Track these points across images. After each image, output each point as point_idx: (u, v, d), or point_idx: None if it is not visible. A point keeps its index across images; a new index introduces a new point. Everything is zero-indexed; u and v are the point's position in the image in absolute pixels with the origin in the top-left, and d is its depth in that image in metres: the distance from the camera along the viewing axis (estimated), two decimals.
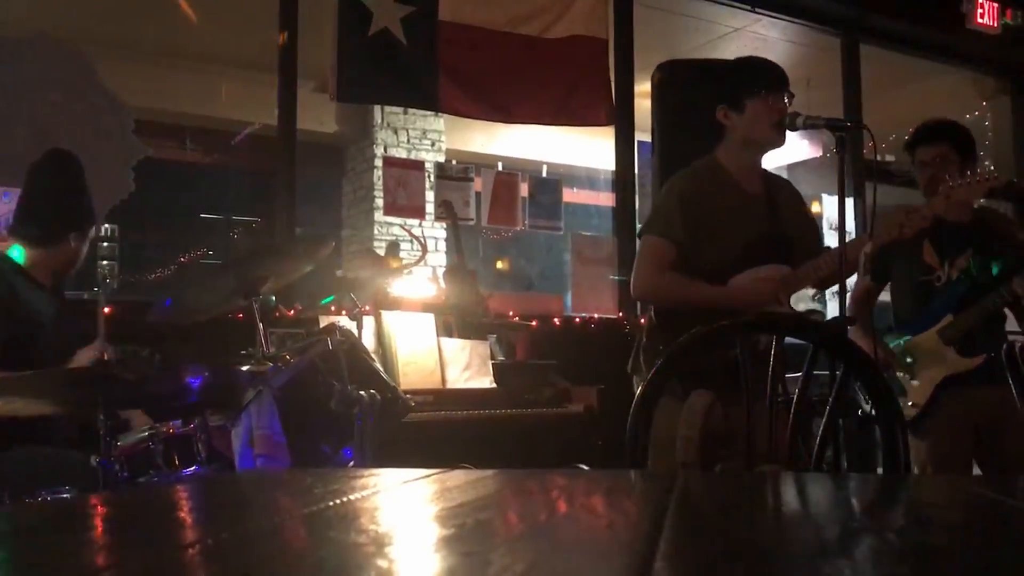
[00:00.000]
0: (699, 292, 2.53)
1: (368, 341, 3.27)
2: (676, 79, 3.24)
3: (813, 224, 2.90)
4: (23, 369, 2.19)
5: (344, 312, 3.65)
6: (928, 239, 3.01)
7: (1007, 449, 2.95)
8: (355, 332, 2.65)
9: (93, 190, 2.83)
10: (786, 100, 2.61)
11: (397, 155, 7.06)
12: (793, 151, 7.36)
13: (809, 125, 2.51)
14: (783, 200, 2.73)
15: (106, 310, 2.78)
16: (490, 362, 3.87)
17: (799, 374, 1.76)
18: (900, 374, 3.06)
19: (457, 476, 1.02)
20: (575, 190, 7.72)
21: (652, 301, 2.67)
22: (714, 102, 2.67)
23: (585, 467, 3.25)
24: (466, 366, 3.78)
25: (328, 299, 3.85)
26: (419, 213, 4.94)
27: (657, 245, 2.60)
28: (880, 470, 2.15)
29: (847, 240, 2.44)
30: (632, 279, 2.66)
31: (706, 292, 2.53)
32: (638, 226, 4.95)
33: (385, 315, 3.70)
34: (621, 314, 4.92)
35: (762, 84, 2.61)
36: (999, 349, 2.93)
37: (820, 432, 1.73)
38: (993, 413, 2.95)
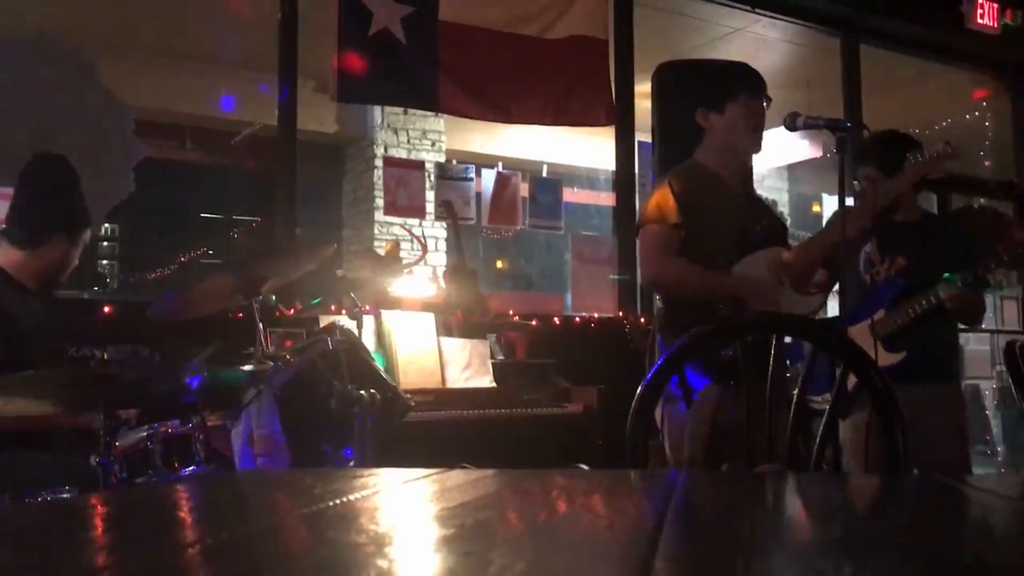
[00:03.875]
0: (708, 281, 2.54)
1: (368, 341, 3.27)
2: (676, 79, 3.25)
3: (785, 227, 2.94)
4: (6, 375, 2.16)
5: (344, 312, 3.65)
6: (875, 236, 3.03)
7: (918, 452, 2.94)
8: (355, 332, 2.65)
9: (93, 190, 2.80)
10: (764, 105, 2.64)
11: (397, 155, 7.06)
12: (793, 151, 7.36)
13: (809, 125, 2.52)
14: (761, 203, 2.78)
15: (106, 309, 2.76)
16: (490, 362, 3.87)
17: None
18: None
19: (457, 476, 1.02)
20: (575, 190, 7.71)
21: (662, 287, 2.65)
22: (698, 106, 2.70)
23: (585, 467, 3.25)
24: (466, 366, 3.78)
25: (315, 300, 3.79)
26: (419, 213, 4.94)
27: (658, 231, 2.60)
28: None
29: (845, 245, 2.45)
30: (639, 269, 2.68)
31: (714, 281, 2.53)
32: None
33: (385, 315, 3.70)
34: (621, 314, 4.91)
35: (741, 88, 2.64)
36: (930, 348, 2.95)
37: (820, 432, 1.73)
38: (910, 413, 2.93)
